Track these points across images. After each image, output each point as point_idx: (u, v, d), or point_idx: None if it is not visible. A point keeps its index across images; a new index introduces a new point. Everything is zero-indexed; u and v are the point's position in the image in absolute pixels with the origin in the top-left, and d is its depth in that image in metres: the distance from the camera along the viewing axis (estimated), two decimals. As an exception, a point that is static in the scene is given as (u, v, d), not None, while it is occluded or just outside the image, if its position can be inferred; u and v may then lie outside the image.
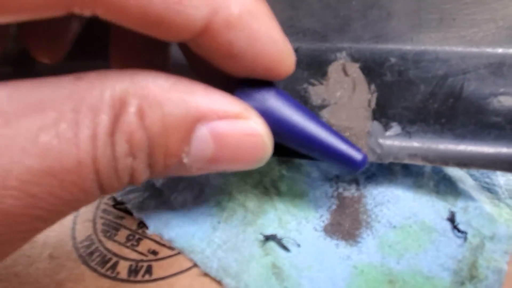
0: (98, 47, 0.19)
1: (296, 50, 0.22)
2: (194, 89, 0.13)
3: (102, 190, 0.12)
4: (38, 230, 0.12)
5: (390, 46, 0.22)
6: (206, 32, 0.12)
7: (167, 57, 0.19)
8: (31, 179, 0.10)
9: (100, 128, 0.11)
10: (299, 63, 0.21)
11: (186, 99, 0.12)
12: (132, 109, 0.11)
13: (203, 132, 0.13)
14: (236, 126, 0.13)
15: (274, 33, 0.13)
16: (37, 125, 0.10)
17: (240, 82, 0.15)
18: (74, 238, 0.19)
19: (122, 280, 0.17)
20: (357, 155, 0.15)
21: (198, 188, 0.20)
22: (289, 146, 0.15)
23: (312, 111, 0.19)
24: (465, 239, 0.17)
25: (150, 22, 0.12)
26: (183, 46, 0.18)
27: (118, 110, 0.11)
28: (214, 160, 0.13)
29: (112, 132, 0.11)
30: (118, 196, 0.20)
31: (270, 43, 0.13)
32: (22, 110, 0.10)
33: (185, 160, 0.13)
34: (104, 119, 0.11)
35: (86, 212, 0.21)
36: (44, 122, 0.10)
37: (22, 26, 0.17)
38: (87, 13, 0.11)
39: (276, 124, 0.14)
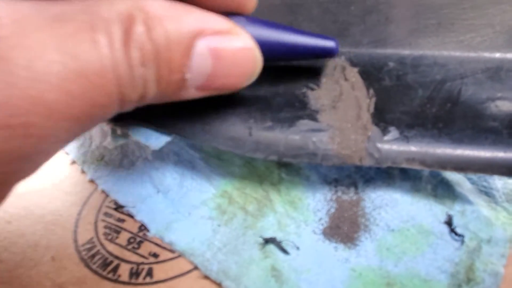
0: None
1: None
2: (190, 9, 0.14)
3: (121, 97, 0.13)
4: (75, 133, 0.12)
5: (389, 50, 0.22)
6: None
7: None
8: (68, 77, 0.11)
9: (115, 37, 0.12)
10: (298, 67, 0.21)
11: (184, 16, 0.13)
12: (139, 22, 0.12)
13: (201, 47, 0.14)
14: (231, 41, 0.14)
15: None
16: (63, 32, 0.11)
17: None
18: (76, 241, 0.20)
19: (124, 283, 0.18)
20: (330, 43, 0.18)
21: (198, 189, 0.21)
22: (272, 59, 0.17)
23: (311, 111, 0.19)
24: (462, 242, 0.17)
25: None
26: None
27: (128, 23, 0.12)
28: (213, 76, 0.15)
29: (125, 42, 0.12)
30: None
31: None
32: (47, 20, 0.11)
33: (187, 76, 0.14)
34: (117, 30, 0.12)
35: (88, 215, 0.21)
36: (67, 30, 0.11)
37: None
38: None
39: (259, 43, 0.16)
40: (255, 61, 0.16)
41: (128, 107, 0.14)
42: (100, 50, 0.12)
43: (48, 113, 0.11)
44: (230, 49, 0.14)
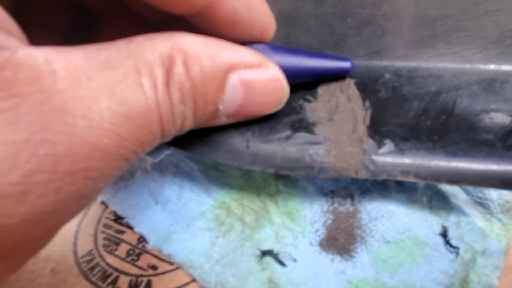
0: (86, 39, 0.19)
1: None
2: (223, 44, 0.15)
3: (163, 133, 0.14)
4: (121, 169, 0.13)
5: (385, 62, 0.22)
6: (216, 2, 0.15)
7: None
8: (117, 122, 0.12)
9: (158, 79, 0.13)
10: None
11: (218, 52, 0.14)
12: (179, 62, 0.13)
13: (234, 80, 0.15)
14: (260, 73, 0.16)
15: (264, 1, 0.17)
16: (112, 79, 0.12)
17: None
18: (75, 253, 0.20)
19: (123, 295, 0.18)
20: (345, 64, 0.20)
21: (196, 200, 0.21)
22: (294, 82, 0.19)
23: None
24: (457, 254, 0.17)
25: None
26: (171, 28, 0.20)
27: (168, 65, 0.13)
28: (243, 105, 0.16)
29: (167, 82, 0.13)
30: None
31: (263, 9, 0.17)
32: (97, 68, 0.12)
33: (221, 107, 0.15)
34: (159, 72, 0.13)
35: (88, 226, 0.21)
36: (116, 77, 0.12)
37: (21, 11, 0.18)
38: None
39: (283, 68, 0.17)
40: (283, 90, 0.17)
41: (168, 139, 0.15)
42: (145, 93, 0.13)
43: (103, 156, 0.12)
44: (260, 81, 0.16)
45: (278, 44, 0.18)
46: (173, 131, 0.14)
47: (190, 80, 0.14)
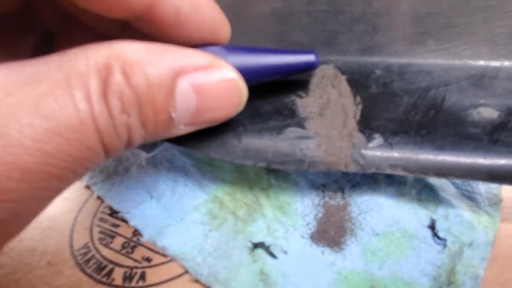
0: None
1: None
2: (167, 48, 0.14)
3: (106, 148, 0.13)
4: (57, 189, 0.13)
5: (376, 58, 0.23)
6: (156, 2, 0.14)
7: None
8: (42, 138, 0.11)
9: (92, 90, 0.12)
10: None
11: (162, 57, 0.14)
12: (117, 70, 0.13)
13: (184, 85, 0.14)
14: (212, 75, 0.15)
15: (212, 2, 0.16)
16: (36, 93, 0.11)
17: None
18: (71, 246, 0.20)
19: (117, 287, 0.18)
20: (309, 58, 0.19)
21: (190, 195, 0.21)
22: (257, 82, 0.18)
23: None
24: (445, 246, 0.18)
25: None
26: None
27: (105, 74, 0.12)
28: (199, 111, 0.15)
29: (104, 92, 0.12)
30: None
31: (211, 8, 0.16)
32: (19, 83, 0.11)
33: (173, 115, 0.14)
34: (94, 82, 0.12)
35: (84, 220, 0.21)
36: (41, 91, 0.11)
37: None
38: None
39: (242, 71, 0.16)
40: (240, 91, 0.16)
41: (116, 154, 0.14)
42: (76, 106, 0.12)
43: (24, 176, 0.11)
44: (213, 83, 0.15)
45: (236, 45, 0.18)
46: (118, 144, 0.13)
47: (131, 88, 0.13)
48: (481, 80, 0.21)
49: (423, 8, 0.22)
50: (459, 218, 0.18)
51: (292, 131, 0.19)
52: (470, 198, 0.19)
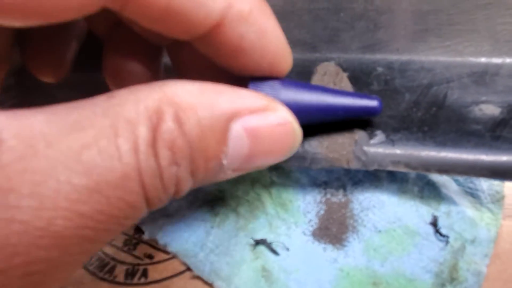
0: (95, 60, 0.20)
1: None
2: (221, 89, 0.13)
3: (149, 203, 0.12)
4: (90, 252, 0.11)
5: (377, 56, 0.23)
6: (220, 26, 0.13)
7: (159, 65, 0.19)
8: (79, 198, 0.10)
9: (140, 139, 0.11)
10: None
11: (216, 100, 0.12)
12: (169, 117, 0.11)
13: (237, 129, 0.13)
14: (267, 118, 0.13)
15: (278, 29, 0.15)
16: (79, 144, 0.10)
17: (244, 81, 0.16)
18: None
19: (119, 283, 0.18)
20: (373, 103, 0.17)
21: (192, 194, 0.21)
22: (311, 123, 0.17)
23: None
24: (447, 242, 0.18)
25: (171, 16, 0.13)
26: (175, 52, 0.19)
27: (156, 120, 0.11)
28: (250, 156, 0.14)
29: (153, 142, 0.11)
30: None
31: (276, 37, 0.15)
32: (62, 132, 0.10)
33: (224, 161, 0.13)
34: (143, 131, 0.11)
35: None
36: (84, 141, 0.10)
37: (23, 47, 0.18)
38: (116, 8, 0.13)
39: (296, 110, 0.15)
40: (294, 135, 0.15)
41: (160, 206, 0.12)
42: (120, 158, 0.11)
43: (55, 242, 0.10)
44: (267, 126, 0.13)
45: (294, 80, 0.16)
46: (164, 198, 0.12)
47: (183, 136, 0.12)
48: (482, 77, 0.21)
49: (424, 5, 0.22)
50: (461, 215, 0.18)
51: (294, 128, 0.19)
52: (472, 195, 0.19)
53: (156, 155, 0.11)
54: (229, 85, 0.13)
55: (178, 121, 0.12)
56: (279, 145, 0.14)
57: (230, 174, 0.14)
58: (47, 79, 0.19)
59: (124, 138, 0.11)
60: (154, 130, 0.11)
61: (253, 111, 0.13)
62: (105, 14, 0.13)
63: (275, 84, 0.15)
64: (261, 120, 0.13)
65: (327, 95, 0.16)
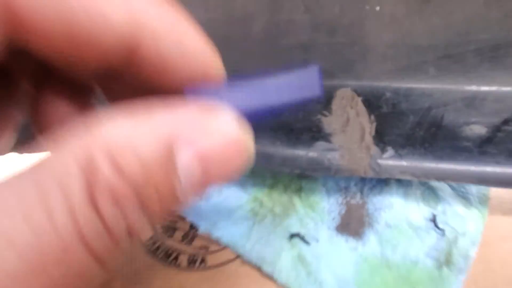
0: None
1: (311, 87, 0.27)
2: (155, 111, 0.11)
3: (103, 265, 0.10)
4: None
5: (386, 83, 0.27)
6: (135, 48, 0.12)
7: (89, 100, 0.16)
8: (13, 285, 0.09)
9: (75, 198, 0.10)
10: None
11: (153, 126, 0.11)
12: (103, 163, 0.10)
13: (185, 157, 0.11)
14: (213, 137, 0.12)
15: (198, 35, 0.13)
16: (8, 227, 0.09)
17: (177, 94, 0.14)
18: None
19: (184, 269, 0.23)
20: (315, 91, 0.14)
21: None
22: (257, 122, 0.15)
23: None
24: (443, 235, 0.22)
25: (75, 40, 0.11)
26: (103, 81, 0.16)
27: (89, 171, 0.10)
28: (205, 179, 0.12)
29: (91, 197, 0.10)
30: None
31: (196, 42, 0.13)
32: None
33: (178, 192, 0.11)
34: (76, 187, 0.10)
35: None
36: (14, 221, 0.09)
37: None
38: (21, 43, 0.11)
39: (241, 112, 0.13)
40: (246, 147, 0.12)
41: (120, 260, 0.12)
42: (56, 228, 0.09)
43: None
44: (216, 147, 0.12)
45: (233, 80, 0.14)
46: (120, 253, 0.11)
47: (125, 180, 0.10)
48: (473, 102, 0.25)
49: (424, 42, 0.27)
50: (455, 213, 0.23)
51: (320, 144, 0.24)
52: (463, 197, 0.24)
53: (97, 210, 0.10)
54: (162, 100, 0.12)
55: (115, 165, 0.10)
56: (232, 163, 0.12)
57: (190, 202, 0.12)
58: None
59: (56, 202, 0.09)
60: (89, 183, 0.10)
61: (194, 126, 0.11)
62: (23, 62, 0.13)
63: (216, 90, 0.13)
64: (208, 140, 0.11)
65: (263, 87, 0.14)
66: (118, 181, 0.10)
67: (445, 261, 0.21)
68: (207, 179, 0.12)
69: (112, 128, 0.10)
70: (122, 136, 0.10)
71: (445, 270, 0.21)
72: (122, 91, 0.16)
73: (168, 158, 0.11)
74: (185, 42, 0.13)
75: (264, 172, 0.27)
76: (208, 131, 0.12)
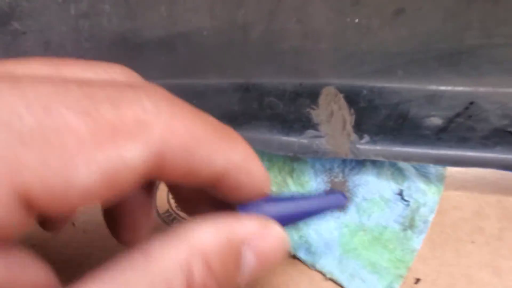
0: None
1: (301, 84, 0.32)
2: (229, 220, 0.15)
3: None
4: None
5: (363, 82, 0.32)
6: (221, 179, 0.16)
7: (154, 196, 0.21)
8: None
9: None
10: (303, 93, 0.31)
11: (229, 233, 0.15)
12: (198, 265, 0.13)
13: (248, 254, 0.15)
14: (268, 239, 0.16)
15: (259, 162, 0.18)
16: None
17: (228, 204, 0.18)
18: (157, 211, 0.29)
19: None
20: (340, 202, 0.20)
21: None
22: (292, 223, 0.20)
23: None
24: (408, 205, 0.28)
25: (189, 174, 0.15)
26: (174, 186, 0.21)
27: (187, 272, 0.13)
28: (257, 271, 0.16)
29: None
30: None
31: (260, 172, 0.17)
32: None
33: (240, 281, 0.15)
34: (179, 285, 0.13)
35: (159, 198, 0.30)
36: None
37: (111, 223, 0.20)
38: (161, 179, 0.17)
39: (279, 220, 0.18)
40: (286, 245, 0.17)
41: None
42: None
43: None
44: (270, 247, 0.16)
45: (272, 196, 0.19)
46: None
47: (212, 275, 0.14)
48: (433, 98, 0.31)
49: (394, 48, 0.32)
50: (417, 188, 0.29)
51: (310, 132, 0.29)
52: (424, 175, 0.30)
53: None
54: (229, 213, 0.16)
55: (207, 265, 0.13)
56: (278, 256, 0.17)
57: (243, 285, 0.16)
58: (125, 242, 0.20)
59: None
60: (189, 281, 0.13)
61: (255, 234, 0.16)
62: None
63: (260, 204, 0.18)
64: (264, 241, 0.16)
65: (302, 203, 0.19)
66: (207, 276, 0.14)
67: (409, 225, 0.27)
68: (260, 269, 0.16)
69: (204, 235, 0.14)
70: (211, 242, 0.14)
71: (409, 232, 0.26)
72: (186, 192, 0.21)
73: (237, 256, 0.15)
74: (253, 172, 0.17)
75: (262, 156, 0.32)
76: (264, 235, 0.16)
